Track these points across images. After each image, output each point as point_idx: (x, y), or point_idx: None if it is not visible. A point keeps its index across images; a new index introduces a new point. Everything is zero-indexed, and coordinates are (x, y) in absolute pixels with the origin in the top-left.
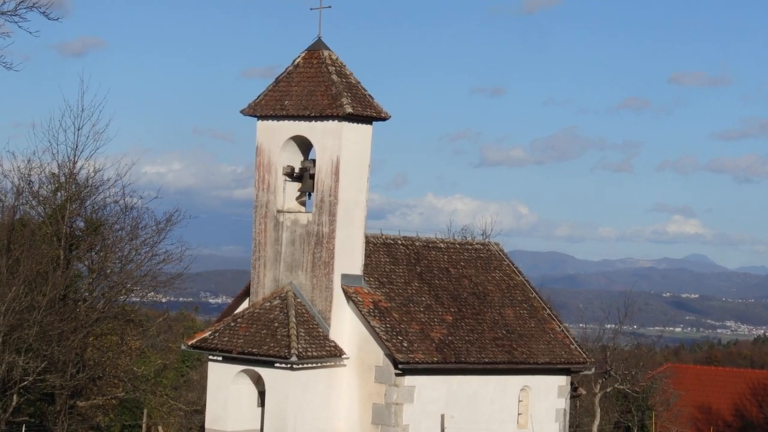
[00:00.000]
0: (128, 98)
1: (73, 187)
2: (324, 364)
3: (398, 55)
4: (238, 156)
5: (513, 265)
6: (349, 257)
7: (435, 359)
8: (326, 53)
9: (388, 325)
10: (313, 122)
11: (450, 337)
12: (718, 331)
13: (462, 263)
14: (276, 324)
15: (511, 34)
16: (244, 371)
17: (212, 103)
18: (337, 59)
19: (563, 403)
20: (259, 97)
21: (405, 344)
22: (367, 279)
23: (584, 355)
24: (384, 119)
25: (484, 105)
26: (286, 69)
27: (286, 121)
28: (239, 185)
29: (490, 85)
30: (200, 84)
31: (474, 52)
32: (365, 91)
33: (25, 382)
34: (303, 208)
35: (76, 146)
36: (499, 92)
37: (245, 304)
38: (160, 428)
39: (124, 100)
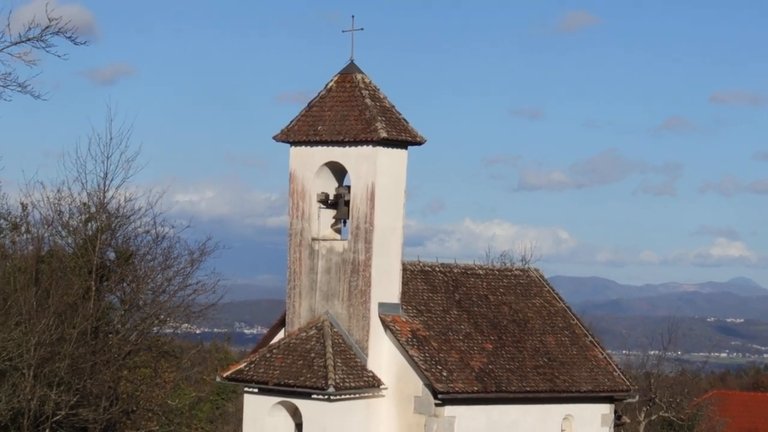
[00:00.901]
0: (159, 125)
1: (104, 216)
2: (362, 394)
3: (433, 78)
4: (272, 183)
5: (553, 291)
6: (386, 285)
7: (475, 388)
8: (359, 76)
9: (426, 355)
10: (347, 148)
11: (490, 366)
12: (765, 356)
13: (501, 290)
14: (312, 354)
15: (550, 54)
16: (280, 403)
17: (245, 129)
18: (370, 83)
19: None
20: (291, 122)
21: (444, 374)
22: (404, 307)
23: (628, 383)
24: (419, 143)
25: (523, 127)
26: (319, 93)
27: (319, 147)
28: (273, 213)
29: (528, 107)
30: (232, 110)
31: (511, 73)
32: (400, 114)
33: (58, 417)
34: (338, 236)
35: (106, 175)
36: (538, 114)
37: (281, 335)
38: None
39: (154, 127)
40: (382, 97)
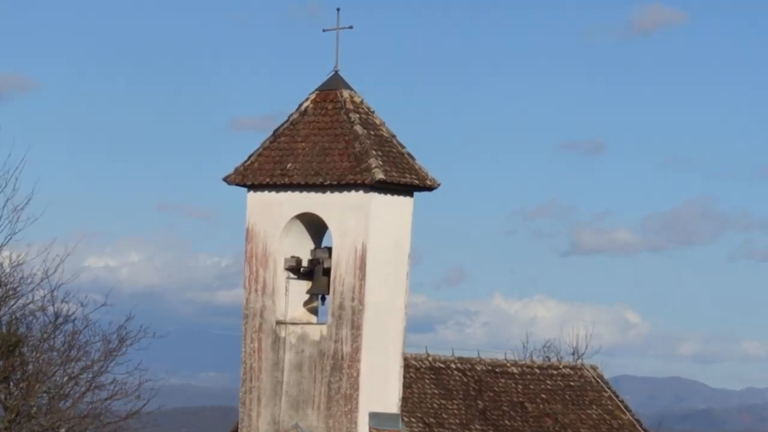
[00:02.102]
0: (64, 160)
1: None
2: None
3: (452, 97)
4: (222, 243)
5: (618, 397)
6: (381, 388)
7: None
8: (346, 94)
9: None
10: (328, 194)
11: None
12: None
13: (543, 395)
14: None
15: (614, 67)
16: None
17: (185, 167)
18: (362, 102)
19: None
20: (250, 158)
21: None
22: (406, 419)
23: None
24: (430, 188)
25: (576, 167)
26: (289, 118)
27: (289, 193)
28: (223, 285)
29: (584, 138)
30: (168, 141)
31: (561, 92)
32: (403, 148)
33: None
34: (314, 318)
35: None
36: (597, 149)
37: None
38: None
39: (58, 163)
40: (378, 122)
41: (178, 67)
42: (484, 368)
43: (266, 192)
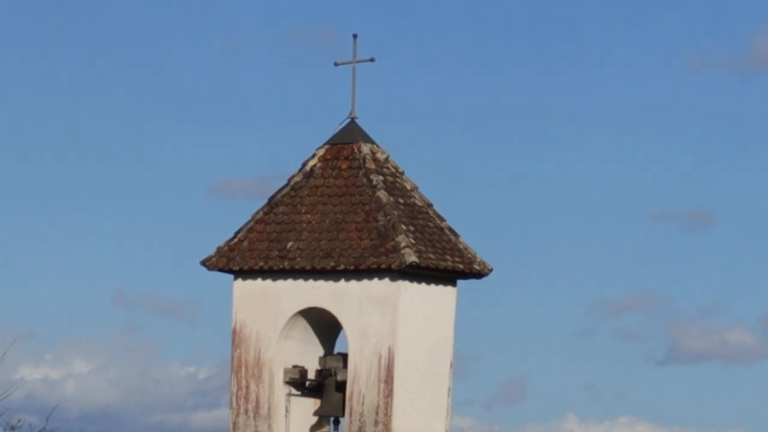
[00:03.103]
0: None
1: None
2: None
3: (507, 156)
4: (200, 347)
5: None
6: None
7: None
8: (366, 149)
9: None
10: (343, 282)
11: None
12: None
13: None
14: None
15: (726, 111)
16: None
17: (150, 246)
18: (387, 160)
19: None
20: (237, 234)
21: None
22: None
23: None
24: (480, 275)
25: (676, 245)
26: (290, 180)
27: (290, 281)
28: (201, 403)
29: (687, 208)
30: (128, 209)
31: (655, 146)
32: (442, 221)
33: None
34: None
35: None
36: (706, 220)
37: None
38: None
39: None
40: (409, 187)
41: (141, 113)
42: None
43: (259, 280)
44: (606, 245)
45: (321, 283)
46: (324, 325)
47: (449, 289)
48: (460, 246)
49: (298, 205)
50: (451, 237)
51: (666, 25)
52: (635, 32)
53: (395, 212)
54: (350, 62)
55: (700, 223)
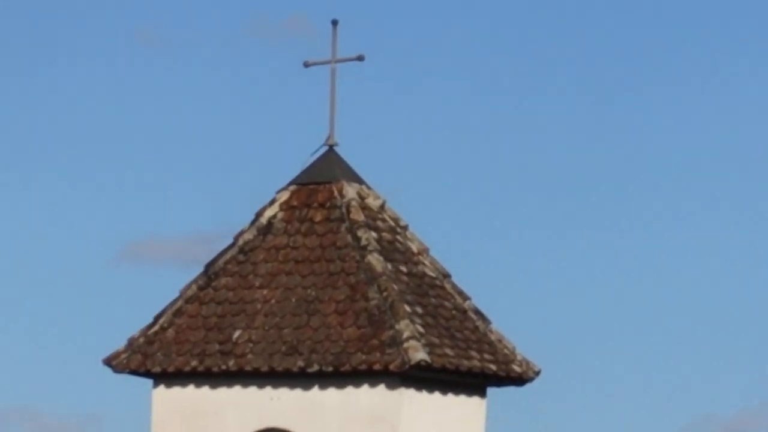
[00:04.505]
0: None
1: None
2: None
3: (559, 208)
4: None
5: None
6: None
7: None
8: (352, 192)
9: None
10: (316, 391)
11: None
12: None
13: None
14: None
15: None
16: None
17: (31, 338)
18: (383, 207)
19: None
20: (158, 320)
21: None
22: None
23: None
24: (521, 380)
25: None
26: (237, 238)
27: (236, 390)
28: None
29: None
30: (11, 285)
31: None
32: (465, 301)
33: None
34: None
35: None
36: None
37: None
38: None
39: None
40: (416, 250)
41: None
42: None
43: (191, 387)
44: (718, 349)
45: (284, 392)
46: None
47: (476, 400)
48: (492, 337)
49: (250, 276)
50: (479, 324)
51: None
52: None
53: (395, 286)
54: (328, 62)
55: None
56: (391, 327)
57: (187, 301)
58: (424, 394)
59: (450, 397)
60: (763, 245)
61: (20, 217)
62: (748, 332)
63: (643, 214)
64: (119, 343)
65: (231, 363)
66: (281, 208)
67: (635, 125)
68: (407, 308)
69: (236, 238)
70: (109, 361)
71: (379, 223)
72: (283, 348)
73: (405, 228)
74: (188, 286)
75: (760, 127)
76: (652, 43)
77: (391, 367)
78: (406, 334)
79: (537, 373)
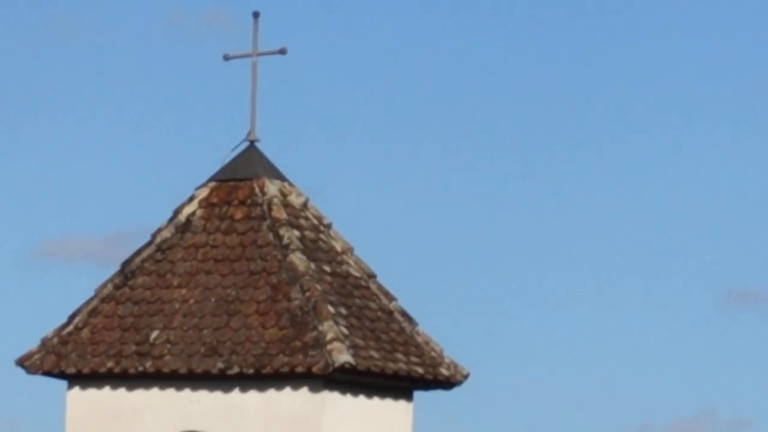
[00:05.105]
0: None
1: None
2: None
3: (491, 198)
4: None
5: None
6: None
7: None
8: (273, 189)
9: None
10: (237, 394)
11: None
12: None
13: None
14: None
15: None
16: None
17: None
18: (306, 205)
19: None
20: (73, 320)
21: None
22: None
23: None
24: (449, 384)
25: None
26: (154, 236)
27: (154, 392)
28: None
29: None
30: None
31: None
32: (391, 301)
33: None
34: None
35: None
36: None
37: None
38: None
39: None
40: (340, 249)
41: None
42: None
43: (107, 390)
44: (651, 338)
45: (203, 394)
46: None
47: (402, 404)
48: (419, 339)
49: (168, 275)
50: (405, 325)
51: None
52: None
53: (318, 286)
54: (248, 55)
55: None
56: (315, 328)
57: (103, 300)
58: (348, 398)
59: (375, 400)
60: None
61: None
62: (678, 344)
63: (561, 214)
64: (33, 344)
65: (148, 364)
66: (200, 206)
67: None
68: (331, 309)
69: (154, 236)
70: (22, 362)
71: (302, 222)
72: (203, 349)
73: (329, 227)
74: (104, 285)
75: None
76: None
77: (315, 369)
78: (329, 336)
79: (465, 377)
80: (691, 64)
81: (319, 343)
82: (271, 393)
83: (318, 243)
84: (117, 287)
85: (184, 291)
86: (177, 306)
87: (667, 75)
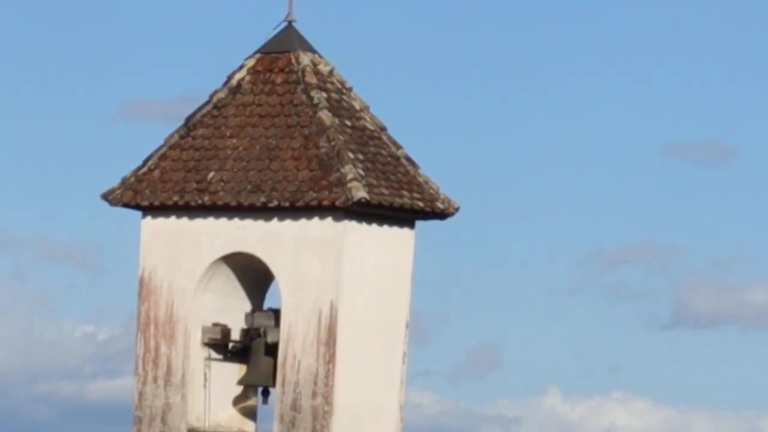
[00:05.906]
0: None
1: None
2: None
3: (481, 68)
4: (99, 302)
5: None
6: None
7: None
8: (306, 59)
9: None
10: (276, 222)
11: None
12: None
13: None
14: None
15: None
16: None
17: (44, 177)
18: (332, 73)
19: None
20: (147, 162)
21: None
22: None
23: None
24: (443, 215)
25: (687, 184)
26: (212, 96)
27: (210, 220)
28: (101, 370)
29: (705, 140)
30: (18, 130)
31: (660, 59)
32: (399, 149)
33: None
34: (251, 426)
35: None
36: (725, 155)
37: None
38: None
39: None
40: (358, 107)
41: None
42: None
43: (173, 218)
44: (603, 183)
45: (249, 222)
46: (252, 275)
47: (406, 231)
48: (420, 179)
49: (222, 127)
50: (409, 168)
51: None
52: None
53: (341, 137)
54: None
55: (717, 158)
56: (338, 170)
57: (171, 147)
58: (363, 226)
59: (385, 228)
60: None
61: (38, 83)
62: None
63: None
64: (115, 182)
65: (206, 198)
66: (248, 72)
67: None
68: (351, 155)
69: (211, 97)
70: (105, 196)
71: (329, 85)
72: (249, 186)
73: (349, 89)
74: (171, 136)
75: None
76: None
77: (337, 203)
78: (350, 176)
79: (457, 209)
80: None
81: (341, 182)
82: (303, 221)
83: (341, 102)
84: (182, 137)
85: (234, 140)
86: (229, 152)
87: None
